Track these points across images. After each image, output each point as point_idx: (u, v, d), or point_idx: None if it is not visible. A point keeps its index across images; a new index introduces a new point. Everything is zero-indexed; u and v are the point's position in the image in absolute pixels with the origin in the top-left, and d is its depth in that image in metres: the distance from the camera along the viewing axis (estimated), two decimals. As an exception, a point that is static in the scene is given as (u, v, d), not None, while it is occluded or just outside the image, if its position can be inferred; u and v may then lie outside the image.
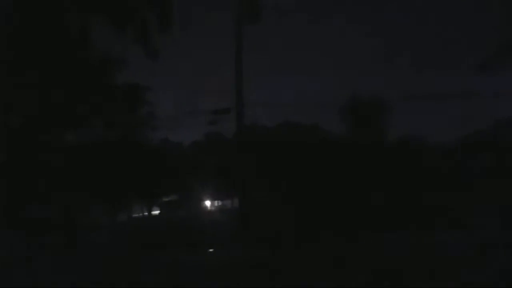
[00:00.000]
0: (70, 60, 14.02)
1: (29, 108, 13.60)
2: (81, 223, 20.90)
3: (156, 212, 49.03)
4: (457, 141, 36.07)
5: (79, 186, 16.88)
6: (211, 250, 16.01)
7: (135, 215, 46.10)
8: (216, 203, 54.83)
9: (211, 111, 19.23)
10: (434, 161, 31.95)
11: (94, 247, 17.20)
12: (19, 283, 10.69)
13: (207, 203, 53.21)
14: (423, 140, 34.93)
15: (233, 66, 16.31)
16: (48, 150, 14.84)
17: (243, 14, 16.10)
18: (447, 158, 33.53)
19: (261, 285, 9.65)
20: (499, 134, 32.77)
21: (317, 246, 14.70)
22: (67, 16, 13.65)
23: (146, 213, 46.96)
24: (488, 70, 13.42)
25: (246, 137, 16.93)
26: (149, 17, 14.02)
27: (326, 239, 15.92)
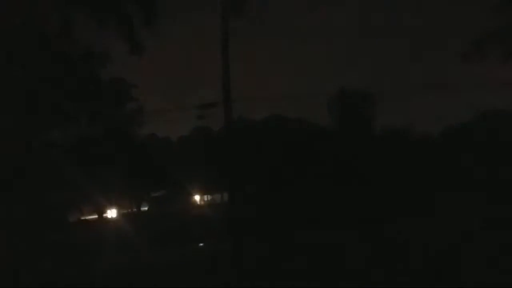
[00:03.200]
0: (53, 56, 13.72)
1: (15, 106, 13.30)
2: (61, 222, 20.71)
3: (145, 208, 48.73)
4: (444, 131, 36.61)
5: (65, 184, 16.67)
6: (201, 244, 16.03)
7: (124, 211, 45.77)
8: (205, 197, 54.73)
9: (198, 105, 19.03)
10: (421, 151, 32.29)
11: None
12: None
13: (196, 197, 53.08)
14: (410, 131, 35.37)
15: (219, 59, 16.12)
16: (34, 148, 14.56)
17: (227, 6, 15.89)
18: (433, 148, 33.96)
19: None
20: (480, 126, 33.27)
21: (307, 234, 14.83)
22: (49, 10, 13.34)
23: (135, 209, 46.65)
24: (472, 59, 13.46)
25: (234, 131, 16.81)
26: (133, 11, 13.76)
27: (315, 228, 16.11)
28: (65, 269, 13.11)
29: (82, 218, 33.63)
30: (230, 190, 15.60)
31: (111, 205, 33.66)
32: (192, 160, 39.22)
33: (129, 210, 46.46)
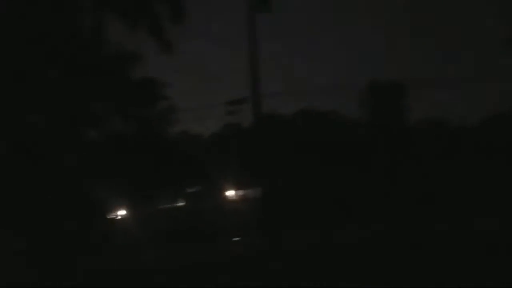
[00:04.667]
0: (86, 58, 14.22)
1: (50, 107, 13.91)
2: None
3: (181, 203, 49.84)
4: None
5: (103, 183, 17.25)
6: (236, 239, 16.19)
7: (160, 207, 46.92)
8: (238, 192, 55.24)
9: (227, 102, 19.16)
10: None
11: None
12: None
13: (230, 193, 53.68)
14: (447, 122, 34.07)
15: (247, 55, 16.17)
16: (71, 148, 15.17)
17: (255, 1, 15.87)
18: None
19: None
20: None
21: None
22: (81, 14, 13.83)
23: (171, 205, 47.76)
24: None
25: (263, 126, 16.84)
26: (161, 10, 14.04)
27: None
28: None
29: (116, 214, 34.82)
30: (263, 185, 15.69)
31: (147, 201, 34.59)
32: (224, 156, 39.69)
33: (166, 206, 47.61)
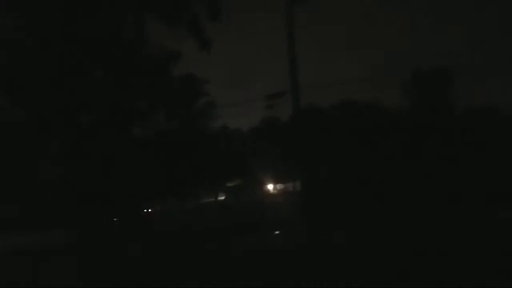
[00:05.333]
0: (129, 58, 14.72)
1: (98, 106, 14.57)
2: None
3: (221, 197, 50.75)
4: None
5: (148, 177, 17.89)
6: (277, 232, 16.25)
7: (202, 201, 48.03)
8: (278, 186, 55.40)
9: (266, 96, 19.17)
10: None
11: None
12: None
13: (269, 186, 53.94)
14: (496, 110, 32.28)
15: (285, 48, 16.08)
16: (117, 145, 15.80)
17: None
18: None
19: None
20: None
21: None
22: (124, 16, 14.32)
23: (212, 199, 48.75)
24: None
25: (302, 119, 16.72)
26: (199, 9, 14.26)
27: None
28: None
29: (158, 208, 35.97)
30: (302, 178, 15.63)
31: (189, 196, 35.43)
32: (263, 150, 39.90)
33: (207, 200, 48.66)
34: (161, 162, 18.95)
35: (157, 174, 18.42)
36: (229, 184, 51.17)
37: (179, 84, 17.17)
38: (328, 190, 24.63)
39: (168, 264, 11.67)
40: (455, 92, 32.01)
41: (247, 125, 47.85)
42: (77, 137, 13.88)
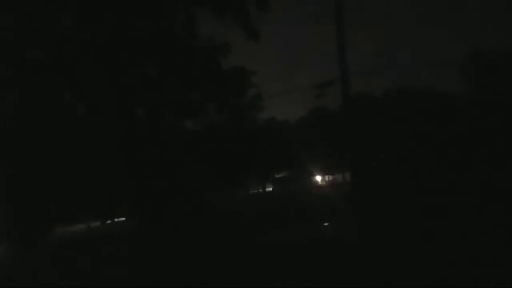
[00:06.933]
0: (180, 51, 15.08)
1: (150, 99, 15.11)
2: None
3: (270, 188, 51.02)
4: None
5: (200, 169, 18.34)
6: (326, 224, 16.09)
7: (252, 191, 48.56)
8: (326, 177, 54.69)
9: (315, 85, 18.81)
10: None
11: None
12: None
13: (318, 178, 53.40)
14: None
15: (334, 35, 15.70)
16: (170, 137, 16.31)
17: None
18: None
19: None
20: None
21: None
22: (174, 10, 14.70)
23: (261, 190, 49.17)
24: None
25: (352, 108, 16.28)
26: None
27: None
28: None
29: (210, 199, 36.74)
30: (351, 169, 15.26)
31: (238, 187, 35.95)
32: (311, 141, 39.46)
33: (256, 191, 49.14)
34: (213, 153, 19.34)
35: (209, 165, 18.83)
36: (277, 176, 51.28)
37: (229, 76, 17.35)
38: (380, 183, 23.86)
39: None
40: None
41: (295, 116, 47.50)
42: (133, 130, 14.46)
